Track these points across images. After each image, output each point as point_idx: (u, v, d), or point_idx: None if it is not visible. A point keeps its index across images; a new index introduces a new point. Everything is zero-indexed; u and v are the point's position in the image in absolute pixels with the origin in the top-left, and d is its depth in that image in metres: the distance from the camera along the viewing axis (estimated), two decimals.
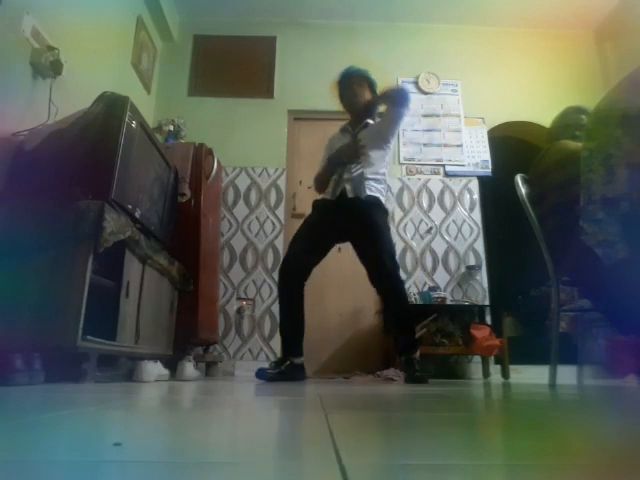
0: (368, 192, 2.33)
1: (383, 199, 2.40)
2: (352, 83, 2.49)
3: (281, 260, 2.45)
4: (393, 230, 3.82)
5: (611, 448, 0.56)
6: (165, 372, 2.09)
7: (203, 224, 2.94)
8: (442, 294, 3.49)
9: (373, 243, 2.28)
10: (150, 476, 0.39)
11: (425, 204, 3.92)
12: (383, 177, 2.43)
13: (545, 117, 3.19)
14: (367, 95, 2.49)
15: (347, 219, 2.32)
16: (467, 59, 4.28)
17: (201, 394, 1.47)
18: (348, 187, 2.34)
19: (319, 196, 2.50)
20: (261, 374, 2.16)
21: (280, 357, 2.36)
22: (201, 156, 3.09)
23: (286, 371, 2.20)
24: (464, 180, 4.00)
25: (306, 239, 2.36)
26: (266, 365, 3.45)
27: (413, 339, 2.30)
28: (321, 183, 2.49)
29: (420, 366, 2.21)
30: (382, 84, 4.20)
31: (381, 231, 2.31)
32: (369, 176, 2.36)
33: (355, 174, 2.35)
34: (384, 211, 2.40)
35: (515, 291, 4.46)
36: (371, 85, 2.52)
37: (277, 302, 3.58)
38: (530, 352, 3.32)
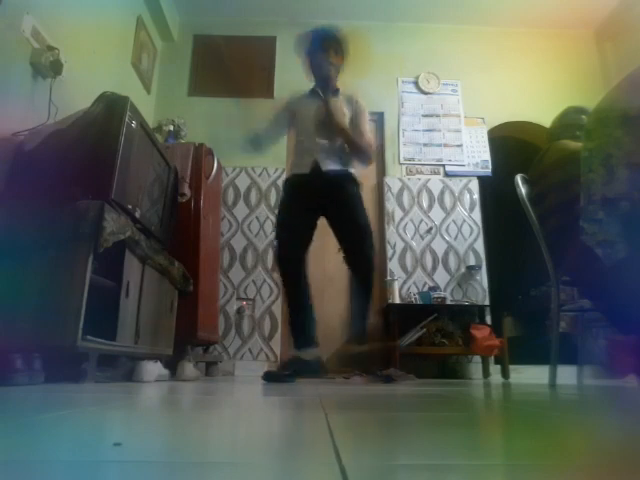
0: (339, 165, 2.32)
1: (354, 170, 2.39)
2: (325, 50, 2.36)
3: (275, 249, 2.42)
4: (393, 230, 3.83)
5: (611, 448, 0.56)
6: (165, 372, 2.09)
7: (203, 224, 2.94)
8: (442, 294, 3.49)
9: (349, 214, 2.28)
10: (150, 476, 0.39)
11: (425, 204, 3.92)
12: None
13: (545, 117, 3.18)
14: (335, 66, 2.38)
15: (322, 192, 2.30)
16: (467, 59, 4.28)
17: (201, 394, 1.47)
18: (321, 160, 2.32)
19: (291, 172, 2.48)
20: (268, 376, 2.17)
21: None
22: (201, 156, 3.09)
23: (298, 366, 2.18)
24: (464, 180, 4.00)
25: (292, 224, 2.32)
26: (266, 365, 3.47)
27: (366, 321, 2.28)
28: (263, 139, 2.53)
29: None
30: (382, 84, 4.20)
31: (356, 202, 2.31)
32: (339, 146, 2.34)
33: (325, 145, 2.33)
34: (357, 183, 2.39)
35: (515, 291, 4.46)
36: (343, 59, 2.41)
37: (277, 302, 3.61)
38: (530, 352, 3.32)
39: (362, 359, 2.26)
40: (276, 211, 3.78)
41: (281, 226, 2.40)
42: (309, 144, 2.36)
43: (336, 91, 2.44)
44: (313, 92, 2.47)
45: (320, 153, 2.33)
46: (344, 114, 2.37)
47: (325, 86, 2.42)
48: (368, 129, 2.45)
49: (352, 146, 2.36)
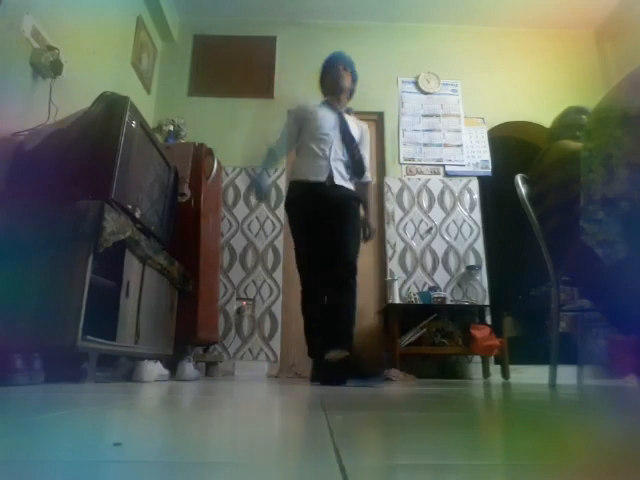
0: (347, 182, 2.40)
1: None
2: (339, 66, 2.53)
3: (300, 282, 2.39)
4: (393, 230, 3.84)
5: (611, 448, 0.56)
6: (165, 372, 2.09)
7: (203, 224, 2.94)
8: (442, 294, 3.49)
9: (345, 237, 2.29)
10: (150, 476, 0.39)
11: (425, 204, 3.92)
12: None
13: (545, 117, 3.19)
14: (349, 83, 2.54)
15: (329, 204, 2.32)
16: (467, 59, 4.28)
17: (201, 394, 1.47)
18: (336, 173, 2.37)
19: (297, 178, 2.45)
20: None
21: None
22: (201, 156, 3.09)
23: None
24: (464, 180, 4.00)
25: (311, 254, 2.32)
26: (266, 365, 3.48)
27: (345, 340, 2.16)
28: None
29: (337, 370, 2.04)
30: (382, 84, 4.21)
31: (356, 231, 2.38)
32: (349, 163, 2.43)
33: (343, 161, 2.40)
34: (359, 210, 2.47)
35: (515, 291, 4.46)
36: (354, 76, 2.58)
37: (277, 302, 3.62)
38: (530, 352, 3.32)
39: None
40: (276, 212, 3.83)
41: (301, 257, 2.37)
42: (326, 152, 2.39)
43: (349, 109, 2.56)
44: (326, 103, 2.55)
45: (335, 164, 2.38)
46: (355, 133, 2.48)
47: (337, 99, 2.52)
48: (368, 157, 2.59)
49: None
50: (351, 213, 2.38)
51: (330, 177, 2.35)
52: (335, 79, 2.51)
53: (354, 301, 2.28)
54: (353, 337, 2.23)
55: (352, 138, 2.43)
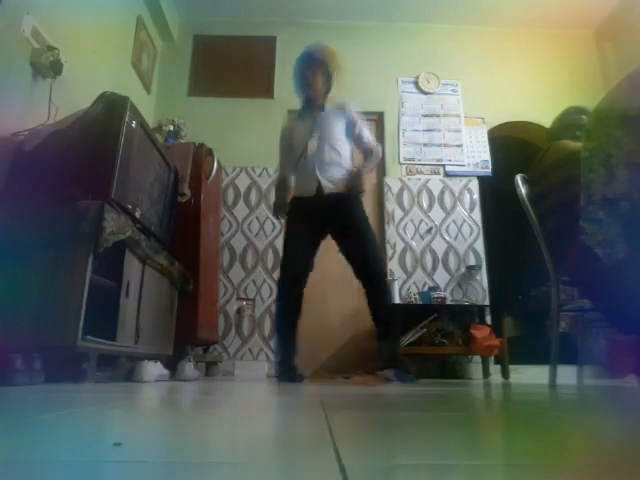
0: (342, 182, 2.35)
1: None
2: (307, 72, 2.45)
3: (279, 274, 2.44)
4: (393, 230, 3.84)
5: (611, 448, 0.56)
6: (165, 372, 2.09)
7: (203, 224, 2.94)
8: (442, 294, 3.49)
9: (360, 239, 2.30)
10: (150, 476, 0.39)
11: (425, 204, 3.92)
12: (350, 161, 2.47)
13: (545, 117, 3.19)
14: (321, 84, 2.45)
15: (328, 215, 2.33)
16: (467, 59, 4.28)
17: (201, 394, 1.47)
18: (324, 182, 2.35)
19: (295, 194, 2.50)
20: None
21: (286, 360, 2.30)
22: (201, 156, 3.09)
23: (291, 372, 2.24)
24: (464, 180, 4.00)
25: (298, 249, 2.37)
26: (266, 365, 3.48)
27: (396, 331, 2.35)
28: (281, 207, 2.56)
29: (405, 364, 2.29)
30: (382, 84, 4.21)
31: (366, 225, 2.35)
32: (342, 162, 2.40)
33: (329, 164, 2.37)
34: (361, 202, 2.41)
35: (515, 291, 4.46)
36: (329, 77, 2.46)
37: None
38: (530, 352, 3.31)
39: (395, 357, 2.30)
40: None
41: (285, 252, 2.45)
42: (310, 163, 2.39)
43: (322, 106, 2.50)
44: (303, 111, 2.57)
45: (322, 172, 2.36)
46: (336, 125, 2.45)
47: (310, 104, 2.51)
48: (368, 133, 2.54)
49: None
50: (356, 214, 2.36)
51: (319, 189, 2.35)
52: (304, 85, 2.47)
53: (388, 300, 2.42)
54: (391, 329, 2.33)
55: (329, 135, 2.41)
